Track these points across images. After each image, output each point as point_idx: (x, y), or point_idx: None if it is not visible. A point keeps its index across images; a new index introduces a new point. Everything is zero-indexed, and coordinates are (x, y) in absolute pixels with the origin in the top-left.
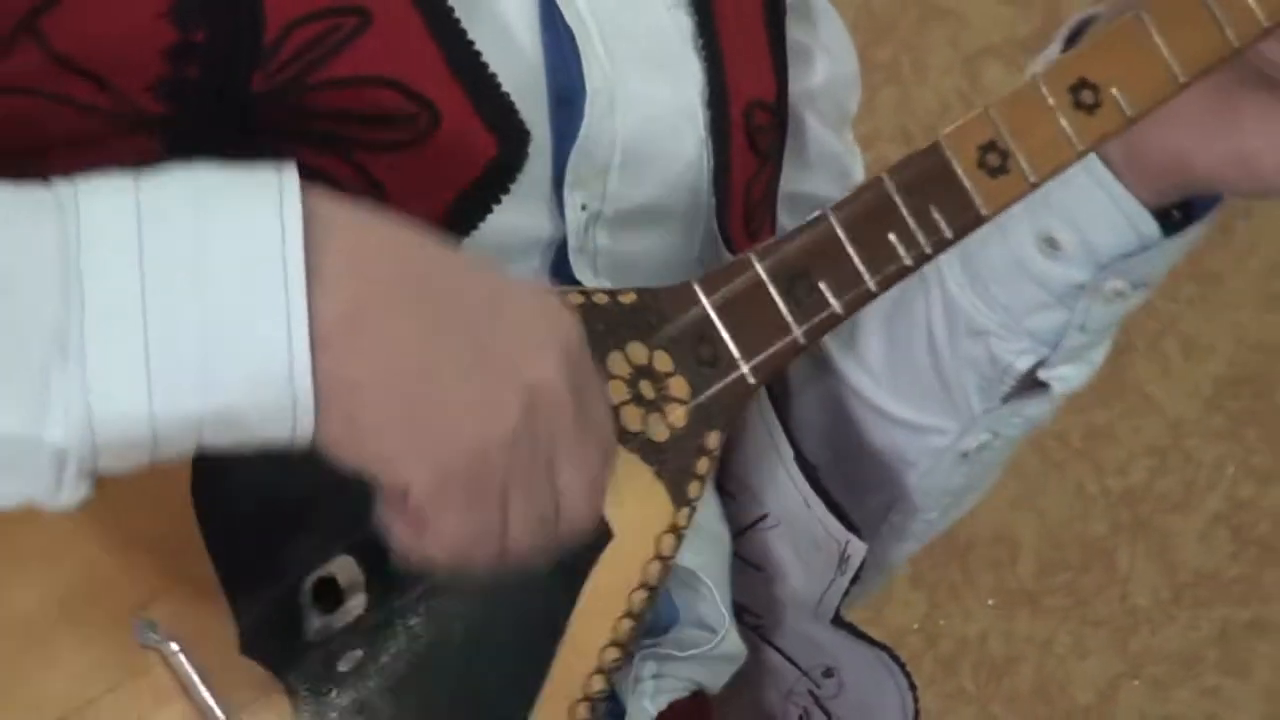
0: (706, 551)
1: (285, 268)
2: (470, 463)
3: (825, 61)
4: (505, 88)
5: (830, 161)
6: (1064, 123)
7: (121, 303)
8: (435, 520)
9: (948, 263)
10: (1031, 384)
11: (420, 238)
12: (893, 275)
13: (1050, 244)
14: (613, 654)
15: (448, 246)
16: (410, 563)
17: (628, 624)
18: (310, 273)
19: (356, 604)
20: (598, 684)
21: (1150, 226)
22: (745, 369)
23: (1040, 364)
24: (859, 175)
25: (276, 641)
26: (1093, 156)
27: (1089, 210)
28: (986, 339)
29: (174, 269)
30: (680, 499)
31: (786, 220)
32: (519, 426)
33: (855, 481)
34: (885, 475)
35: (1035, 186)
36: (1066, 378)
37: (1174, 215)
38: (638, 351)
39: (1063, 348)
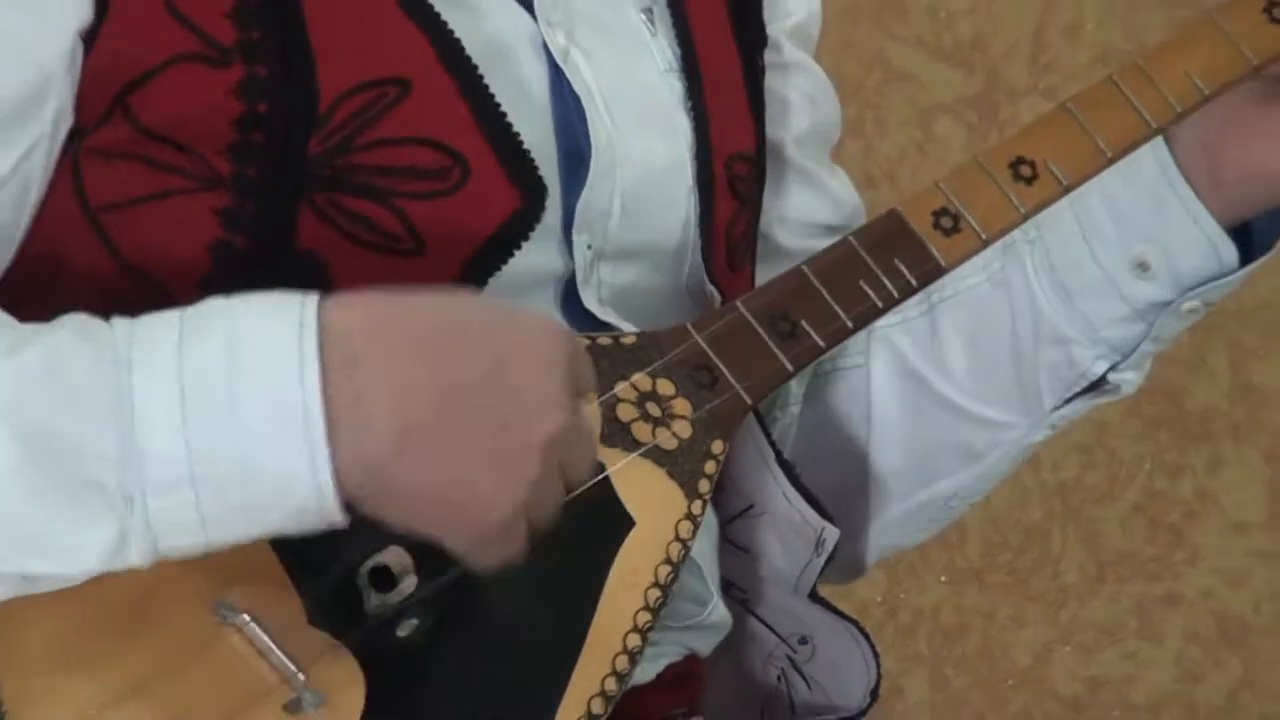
0: (699, 537)
1: (308, 428)
2: (503, 522)
3: (808, 108)
4: (525, 144)
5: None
6: (1007, 192)
7: (175, 473)
8: (480, 556)
9: (1037, 280)
10: (1093, 385)
11: (429, 336)
12: (866, 314)
13: (1142, 267)
14: (645, 617)
15: (455, 322)
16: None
17: (655, 593)
18: (335, 422)
19: (408, 584)
20: (633, 641)
21: (1231, 253)
22: (740, 389)
23: (1112, 368)
24: (847, 195)
25: (340, 615)
26: (1182, 182)
27: (1179, 237)
28: (1069, 346)
29: (216, 447)
30: (693, 494)
31: (766, 268)
32: (540, 472)
33: (926, 472)
34: (953, 468)
35: (987, 243)
36: (1131, 380)
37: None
38: (642, 380)
39: (1134, 355)
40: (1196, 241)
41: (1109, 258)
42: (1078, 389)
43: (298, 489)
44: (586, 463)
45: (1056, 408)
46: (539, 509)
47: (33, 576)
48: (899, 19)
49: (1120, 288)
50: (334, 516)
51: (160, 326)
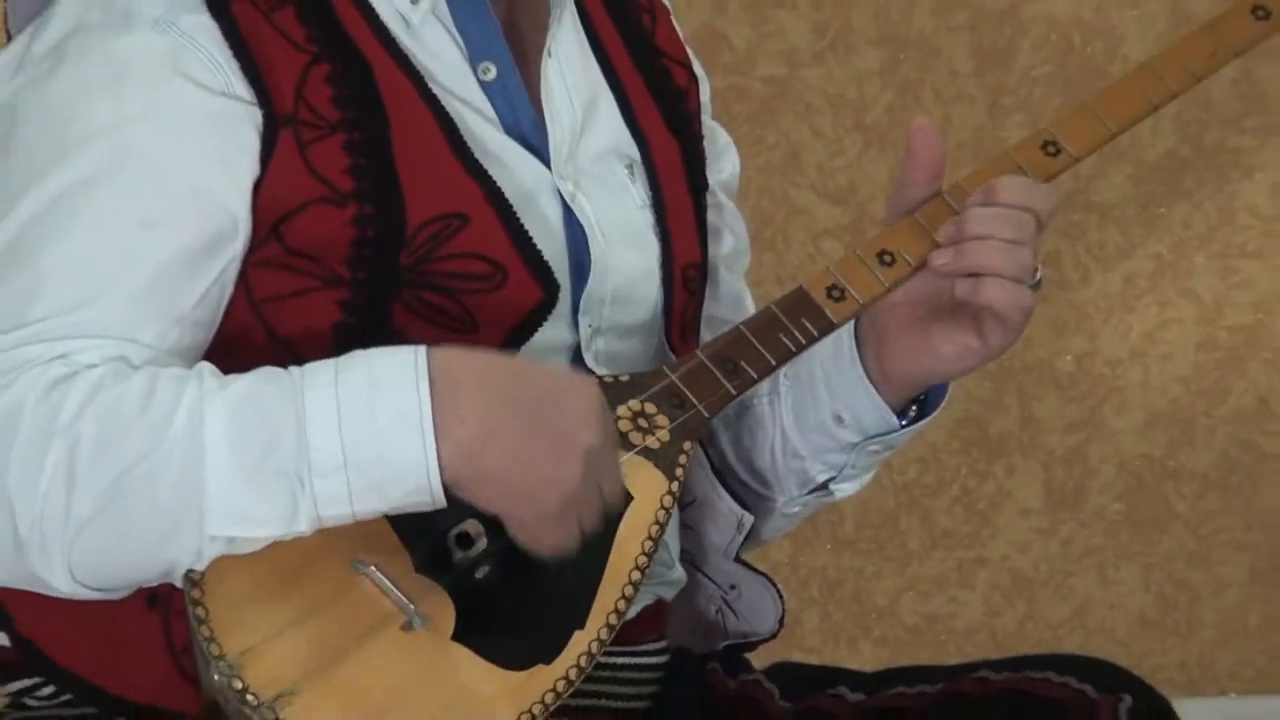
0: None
1: (424, 431)
2: (556, 505)
3: (731, 238)
4: (546, 257)
5: (733, 299)
6: (875, 272)
7: (336, 467)
8: (539, 535)
9: (786, 414)
10: (820, 487)
11: (503, 369)
12: (784, 355)
13: (838, 419)
14: (643, 560)
15: (519, 364)
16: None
17: (649, 544)
18: (441, 423)
19: (481, 544)
20: (635, 576)
21: (894, 421)
22: (700, 408)
23: (830, 480)
24: (750, 305)
25: (436, 566)
26: (862, 371)
27: (863, 405)
28: (803, 460)
29: (363, 444)
30: (671, 478)
31: (705, 332)
32: (583, 476)
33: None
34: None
35: (865, 306)
36: (845, 489)
37: (911, 408)
38: (635, 404)
39: (842, 474)
40: (874, 409)
41: (820, 411)
42: (809, 489)
43: (414, 471)
44: (617, 481)
45: (796, 497)
46: (584, 508)
47: (235, 539)
48: (799, 172)
49: (827, 430)
50: (438, 494)
51: (321, 368)
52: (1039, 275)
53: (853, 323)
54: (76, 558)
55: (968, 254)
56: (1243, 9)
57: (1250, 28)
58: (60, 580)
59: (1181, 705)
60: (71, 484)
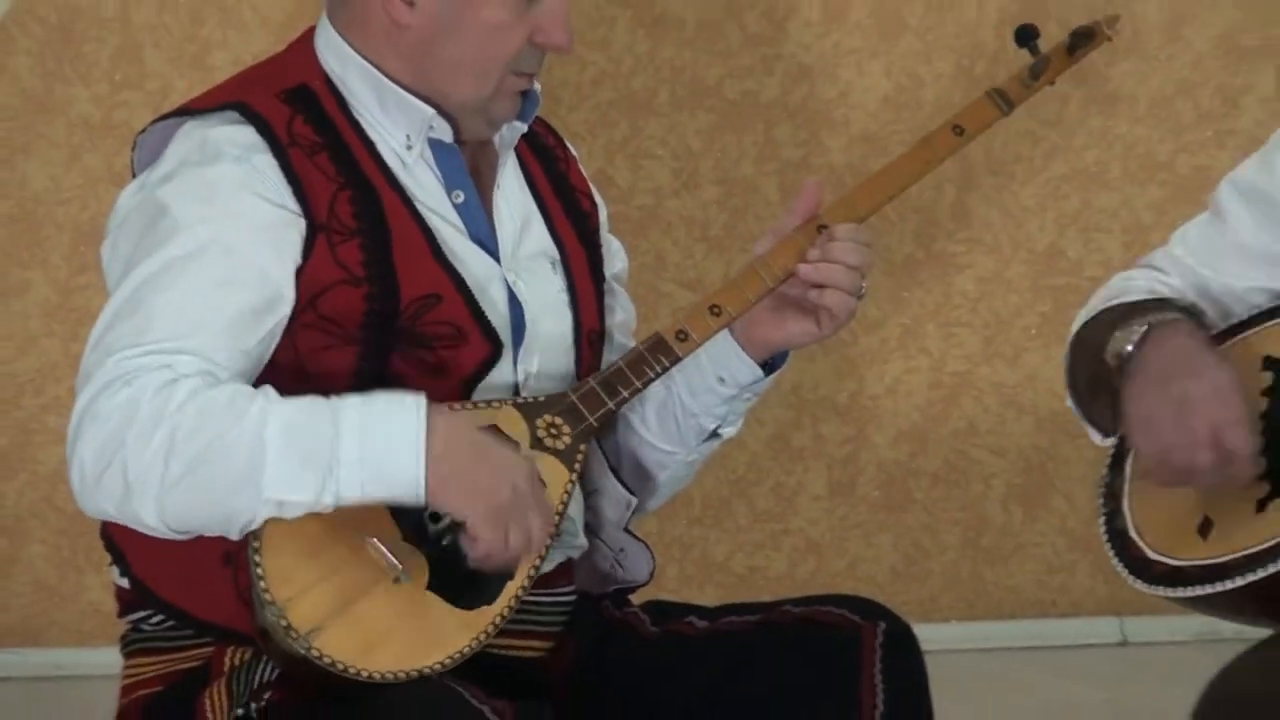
0: (571, 503)
1: (418, 449)
2: (494, 512)
3: (622, 312)
4: (494, 325)
5: (623, 350)
6: (708, 320)
7: (356, 462)
8: (481, 535)
9: (682, 391)
10: (712, 435)
11: (472, 426)
12: (648, 380)
13: (720, 380)
14: (552, 529)
15: (482, 430)
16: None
17: (556, 517)
18: (428, 435)
19: (446, 523)
20: (546, 541)
21: (759, 373)
22: (591, 419)
23: (718, 427)
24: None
25: (417, 536)
26: (737, 346)
27: (736, 366)
28: (697, 417)
29: (375, 451)
30: (571, 469)
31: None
32: (511, 498)
33: (636, 477)
34: (649, 474)
35: (700, 343)
36: (728, 432)
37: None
38: (548, 418)
39: (726, 421)
40: (744, 368)
41: (706, 377)
42: (704, 437)
43: (409, 479)
44: (541, 510)
45: (695, 447)
46: (511, 519)
47: (283, 502)
48: (664, 269)
49: (713, 390)
50: (422, 496)
51: (354, 399)
52: (864, 289)
53: None
54: (168, 504)
55: (823, 272)
56: (945, 127)
57: (950, 141)
58: (151, 518)
59: (918, 628)
60: (170, 453)
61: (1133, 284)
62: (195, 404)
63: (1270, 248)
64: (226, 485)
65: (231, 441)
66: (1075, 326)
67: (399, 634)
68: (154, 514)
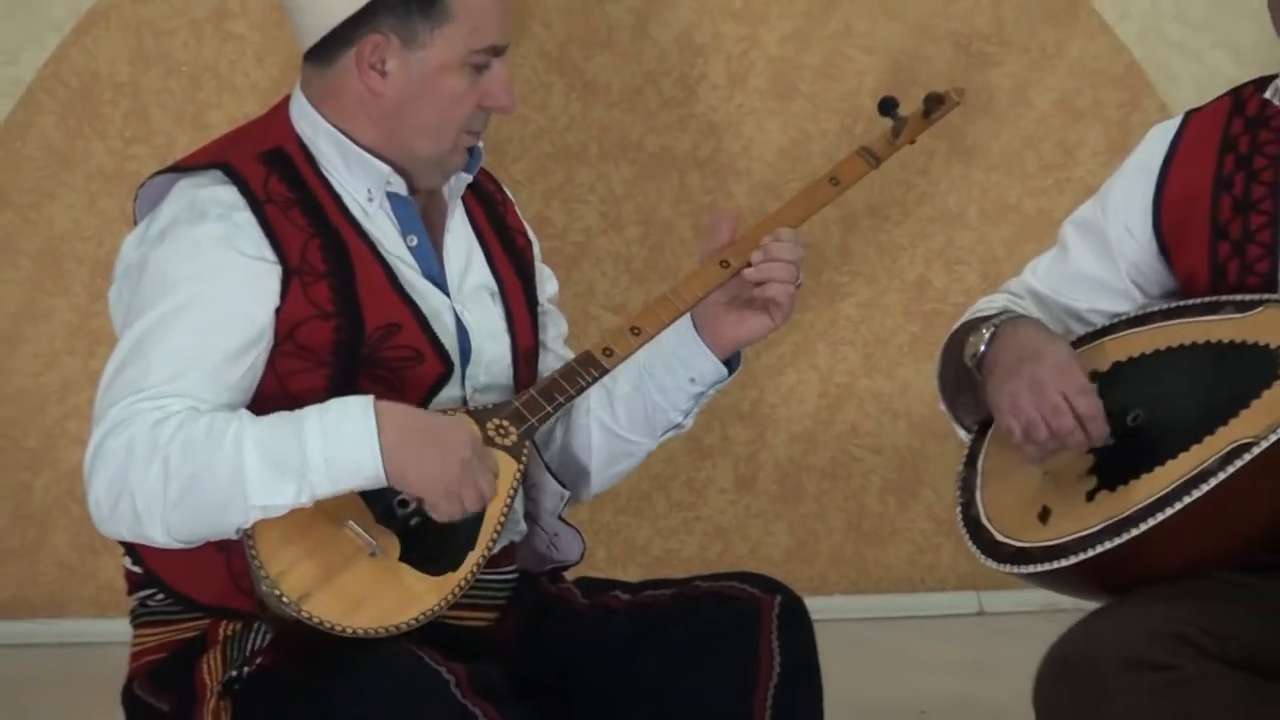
0: (517, 498)
1: (373, 443)
2: (447, 488)
3: (554, 329)
4: (446, 347)
5: (559, 362)
6: (629, 339)
7: (322, 463)
8: (440, 508)
9: (654, 392)
10: (674, 427)
11: (416, 415)
12: (580, 389)
13: (691, 381)
14: (505, 509)
15: (426, 414)
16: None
17: (508, 500)
18: (380, 433)
19: (413, 505)
20: (500, 519)
21: (724, 371)
22: (533, 421)
23: (682, 420)
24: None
25: (387, 517)
26: (702, 345)
27: (704, 367)
28: (666, 412)
29: (336, 451)
30: (519, 461)
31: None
32: (460, 471)
33: (610, 464)
34: (619, 462)
35: (623, 358)
36: (688, 423)
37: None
38: (496, 421)
39: (689, 414)
40: (712, 368)
41: (677, 378)
42: (668, 428)
43: (369, 470)
44: (486, 467)
45: (659, 437)
46: (463, 491)
47: (267, 507)
48: (593, 298)
49: (684, 389)
50: (382, 481)
51: (314, 408)
52: (799, 282)
53: (690, 315)
54: (172, 524)
55: (765, 269)
56: (824, 179)
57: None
58: (161, 537)
59: (809, 601)
60: (167, 480)
61: (992, 304)
62: (181, 436)
63: (1103, 276)
64: (218, 501)
65: (216, 464)
66: (944, 342)
67: (377, 597)
68: (162, 533)
